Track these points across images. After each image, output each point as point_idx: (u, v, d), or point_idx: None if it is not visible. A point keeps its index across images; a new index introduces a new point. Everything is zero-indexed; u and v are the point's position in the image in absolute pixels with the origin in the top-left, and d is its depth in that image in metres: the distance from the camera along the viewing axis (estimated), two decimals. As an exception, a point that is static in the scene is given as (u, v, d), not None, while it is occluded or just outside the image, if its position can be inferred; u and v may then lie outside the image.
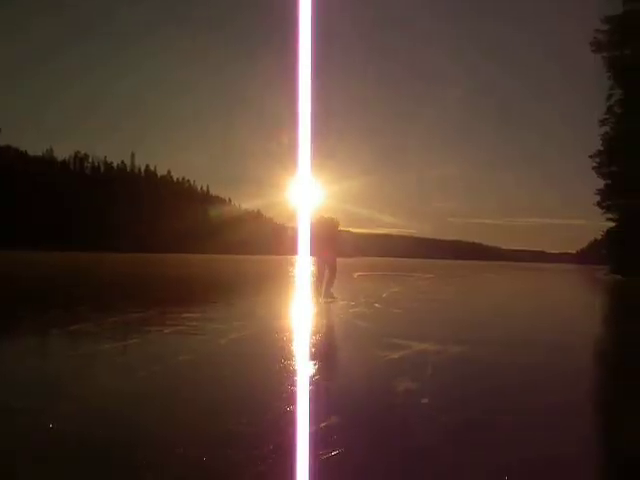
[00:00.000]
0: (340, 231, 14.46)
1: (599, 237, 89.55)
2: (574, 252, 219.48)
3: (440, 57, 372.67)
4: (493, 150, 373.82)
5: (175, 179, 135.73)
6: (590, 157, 47.78)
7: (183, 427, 3.87)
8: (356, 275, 30.21)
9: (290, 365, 5.78)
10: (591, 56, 29.17)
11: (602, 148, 45.64)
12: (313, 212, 13.30)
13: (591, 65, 32.19)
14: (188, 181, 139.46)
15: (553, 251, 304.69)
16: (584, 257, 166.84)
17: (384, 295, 15.84)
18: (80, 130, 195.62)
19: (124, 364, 5.99)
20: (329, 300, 13.02)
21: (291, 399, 4.45)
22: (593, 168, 47.73)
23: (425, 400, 4.56)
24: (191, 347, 6.92)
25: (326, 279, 13.47)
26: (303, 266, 26.97)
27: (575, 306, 17.31)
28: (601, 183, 48.91)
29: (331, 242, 13.46)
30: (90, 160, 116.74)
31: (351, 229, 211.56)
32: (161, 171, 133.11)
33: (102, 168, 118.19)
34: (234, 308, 12.41)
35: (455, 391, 5.09)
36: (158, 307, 11.32)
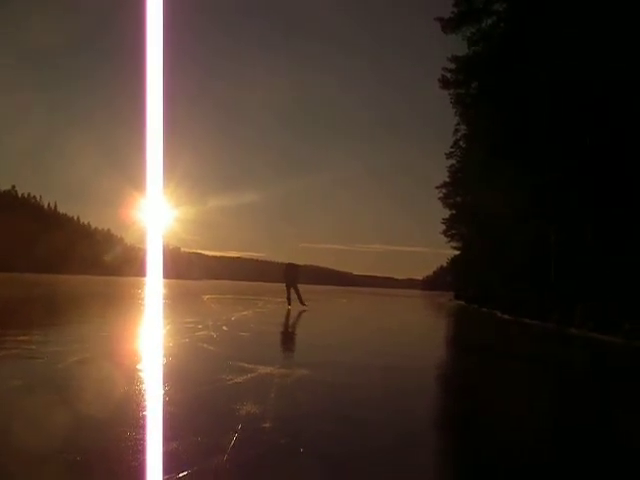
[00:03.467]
0: (300, 268, 25.89)
1: (445, 264, 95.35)
2: (421, 278, 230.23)
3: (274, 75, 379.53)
4: (346, 180, 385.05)
5: (20, 195, 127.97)
6: (437, 188, 50.84)
7: None
8: (206, 298, 29.83)
9: (131, 390, 5.60)
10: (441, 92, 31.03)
11: (448, 180, 48.72)
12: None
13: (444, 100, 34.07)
14: (34, 197, 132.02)
15: (401, 277, 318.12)
16: (430, 283, 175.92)
17: (233, 318, 15.79)
18: None
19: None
20: (304, 306, 23.13)
21: (128, 427, 4.32)
22: (439, 198, 50.81)
23: (266, 425, 4.60)
24: (24, 371, 6.52)
25: (297, 295, 23.60)
26: (152, 288, 26.27)
27: (417, 331, 18.16)
28: (447, 213, 52.21)
29: (295, 275, 24.28)
30: None
31: (201, 251, 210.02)
32: (4, 186, 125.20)
33: None
34: (75, 330, 11.82)
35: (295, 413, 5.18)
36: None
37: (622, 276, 17.82)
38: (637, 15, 17.35)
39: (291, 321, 17.69)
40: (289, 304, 23.20)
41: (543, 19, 20.49)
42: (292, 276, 23.94)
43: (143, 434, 4.12)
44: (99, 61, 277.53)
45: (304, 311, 21.36)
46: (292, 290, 23.51)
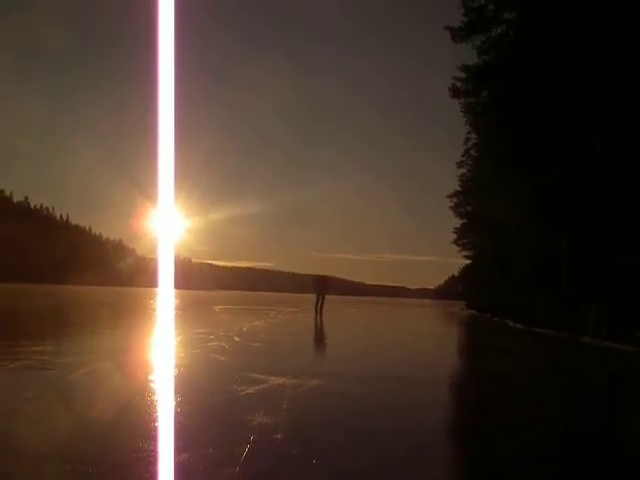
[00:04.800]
0: (329, 280, 28.28)
1: (456, 274, 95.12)
2: (432, 288, 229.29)
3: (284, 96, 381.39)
4: (357, 187, 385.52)
5: (33, 206, 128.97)
6: (448, 197, 50.72)
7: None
8: (217, 308, 29.85)
9: (142, 401, 5.60)
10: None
11: (459, 189, 48.59)
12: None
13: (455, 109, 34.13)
14: (47, 208, 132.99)
15: (413, 287, 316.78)
16: (442, 293, 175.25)
17: (244, 329, 15.78)
18: None
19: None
20: (320, 316, 24.17)
21: (140, 439, 4.32)
22: (450, 207, 50.67)
23: (278, 436, 4.58)
24: (36, 382, 6.54)
25: (320, 304, 25.31)
26: (164, 299, 26.30)
27: (429, 341, 18.08)
28: (458, 222, 52.05)
29: (325, 285, 26.55)
30: None
31: (212, 262, 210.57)
32: (17, 197, 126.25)
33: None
34: (86, 341, 11.85)
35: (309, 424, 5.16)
36: (5, 340, 10.62)
37: (634, 283, 17.67)
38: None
39: (303, 331, 17.65)
40: (316, 313, 24.91)
41: (552, 27, 20.47)
42: (321, 287, 26.17)
43: (155, 445, 4.11)
44: (110, 69, 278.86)
45: (318, 321, 21.38)
46: (320, 299, 25.67)
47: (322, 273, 27.02)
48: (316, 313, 24.81)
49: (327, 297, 26.60)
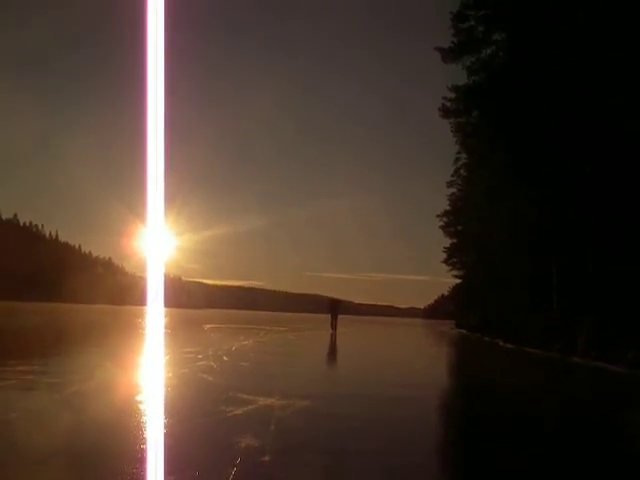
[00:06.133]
0: (341, 302, 35.87)
1: (446, 293, 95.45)
2: (422, 307, 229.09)
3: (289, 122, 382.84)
4: (347, 206, 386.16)
5: (22, 223, 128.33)
6: (438, 216, 50.85)
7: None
8: (206, 327, 29.68)
9: (129, 422, 5.52)
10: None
11: (449, 208, 48.73)
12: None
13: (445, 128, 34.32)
14: (36, 226, 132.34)
15: (403, 306, 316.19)
16: (432, 312, 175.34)
17: (233, 348, 15.68)
18: None
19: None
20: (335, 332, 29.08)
21: (125, 461, 4.25)
22: (440, 227, 50.78)
23: (265, 458, 4.51)
24: (21, 403, 6.44)
25: (335, 324, 30.63)
26: (153, 317, 26.17)
27: (419, 361, 18.02)
28: (448, 241, 52.14)
29: (336, 308, 32.00)
30: None
31: (201, 280, 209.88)
32: (6, 214, 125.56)
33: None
34: (75, 360, 11.72)
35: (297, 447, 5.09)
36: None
37: (624, 304, 17.72)
38: (635, 42, 17.52)
39: (293, 351, 17.55)
40: (332, 329, 30.41)
41: (542, 49, 20.70)
42: (334, 308, 31.94)
43: (141, 468, 4.04)
44: (100, 87, 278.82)
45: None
46: (334, 319, 31.13)
47: (335, 297, 33.96)
48: (332, 329, 30.17)
49: (316, 317, 28.76)
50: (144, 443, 4.78)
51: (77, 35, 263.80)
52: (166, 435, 5.12)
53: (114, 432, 5.16)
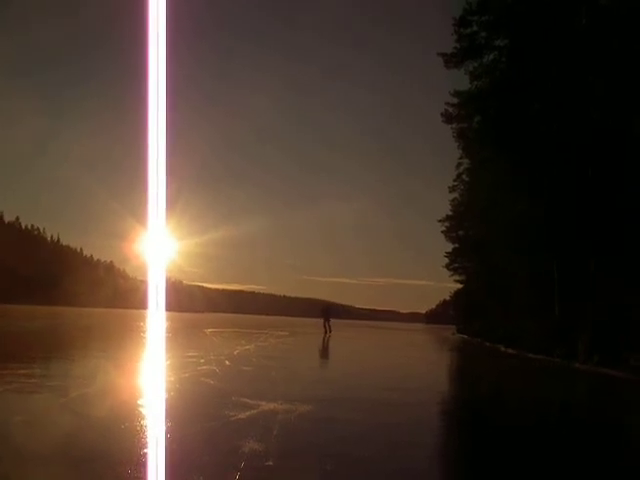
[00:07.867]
0: (332, 306, 46.35)
1: (448, 298, 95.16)
2: (424, 312, 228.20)
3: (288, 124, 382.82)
4: (349, 211, 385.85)
5: (24, 226, 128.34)
6: (439, 221, 50.79)
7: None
8: (208, 331, 29.65)
9: (131, 427, 5.52)
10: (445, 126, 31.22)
11: (451, 213, 48.65)
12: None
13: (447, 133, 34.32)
14: (38, 229, 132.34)
15: (404, 311, 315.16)
16: (433, 317, 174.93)
17: (235, 352, 15.67)
18: None
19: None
20: (328, 334, 31.11)
21: (129, 465, 4.25)
22: (442, 232, 50.70)
23: (269, 462, 4.51)
24: (24, 406, 6.45)
25: (328, 325, 32.51)
26: (155, 321, 26.17)
27: (421, 366, 18.00)
28: (449, 246, 52.04)
29: (329, 311, 34.98)
30: None
31: (202, 284, 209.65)
32: (9, 217, 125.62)
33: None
34: (75, 364, 11.72)
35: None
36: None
37: (626, 309, 17.70)
38: (634, 50, 17.56)
39: (294, 356, 17.53)
40: (326, 332, 32.00)
41: (544, 55, 20.75)
42: (327, 312, 34.69)
43: (144, 472, 4.04)
44: (101, 91, 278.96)
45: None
46: (327, 322, 33.08)
47: (327, 301, 39.24)
48: (325, 331, 32.05)
49: (317, 321, 29.45)
50: (147, 447, 4.79)
51: (79, 38, 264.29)
52: (170, 439, 5.12)
53: (117, 436, 5.16)
